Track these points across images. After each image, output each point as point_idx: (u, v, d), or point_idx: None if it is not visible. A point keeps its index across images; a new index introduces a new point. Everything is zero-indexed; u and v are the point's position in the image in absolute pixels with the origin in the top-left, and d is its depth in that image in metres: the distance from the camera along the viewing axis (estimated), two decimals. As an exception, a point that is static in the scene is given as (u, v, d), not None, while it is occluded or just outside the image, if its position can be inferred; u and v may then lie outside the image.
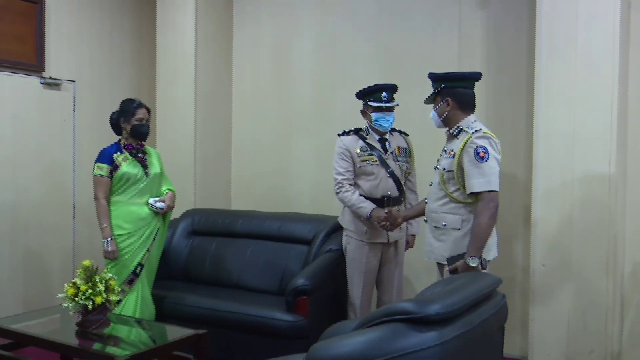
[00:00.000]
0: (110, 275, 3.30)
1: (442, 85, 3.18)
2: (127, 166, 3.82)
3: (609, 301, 3.45)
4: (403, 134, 4.00)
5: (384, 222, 3.60)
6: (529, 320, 3.68)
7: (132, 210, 3.83)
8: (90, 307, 3.17)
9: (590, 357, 3.47)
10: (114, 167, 3.80)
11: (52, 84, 4.95)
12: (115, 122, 3.93)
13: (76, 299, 3.16)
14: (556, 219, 3.56)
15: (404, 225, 3.84)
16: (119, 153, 3.84)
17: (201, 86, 5.19)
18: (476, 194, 2.98)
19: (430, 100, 3.29)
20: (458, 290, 2.13)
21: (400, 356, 1.83)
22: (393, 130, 3.91)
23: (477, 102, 3.23)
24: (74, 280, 3.22)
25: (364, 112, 3.86)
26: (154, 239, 3.91)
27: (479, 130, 3.04)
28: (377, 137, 3.83)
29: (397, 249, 3.92)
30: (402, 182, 3.86)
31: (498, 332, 2.39)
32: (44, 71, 4.89)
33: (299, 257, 4.29)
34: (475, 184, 2.96)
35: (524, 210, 4.15)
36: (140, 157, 3.89)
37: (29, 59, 4.79)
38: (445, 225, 3.11)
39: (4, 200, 4.67)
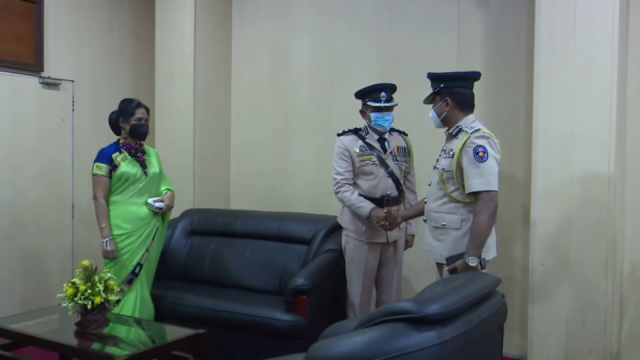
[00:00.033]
0: (109, 275, 3.30)
1: (441, 85, 3.18)
2: (126, 166, 3.82)
3: (608, 300, 3.45)
4: (402, 133, 4.00)
5: (383, 222, 3.60)
6: (528, 319, 3.69)
7: (131, 210, 3.83)
8: (89, 307, 3.17)
9: (590, 356, 3.48)
10: (113, 166, 3.80)
11: (51, 84, 4.95)
12: (114, 122, 3.93)
13: (75, 298, 3.16)
14: (555, 219, 3.56)
15: (403, 225, 3.84)
16: (118, 153, 3.84)
17: (200, 86, 5.19)
18: (475, 194, 2.98)
19: (429, 100, 3.29)
20: (457, 290, 2.13)
21: (399, 356, 1.84)
22: (392, 130, 3.91)
23: (476, 101, 3.24)
24: (73, 280, 3.22)
25: (363, 112, 3.86)
26: (153, 238, 3.91)
27: (478, 130, 3.04)
28: (376, 137, 3.83)
29: (397, 248, 3.92)
30: (401, 182, 3.86)
31: (497, 331, 2.39)
32: (42, 71, 4.88)
33: (298, 257, 4.29)
34: (475, 183, 2.96)
35: (522, 210, 4.16)
36: (139, 156, 3.89)
37: (28, 59, 4.78)
38: (444, 225, 3.11)
39: (3, 200, 4.66)
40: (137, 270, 3.84)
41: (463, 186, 3.03)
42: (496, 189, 2.98)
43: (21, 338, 3.36)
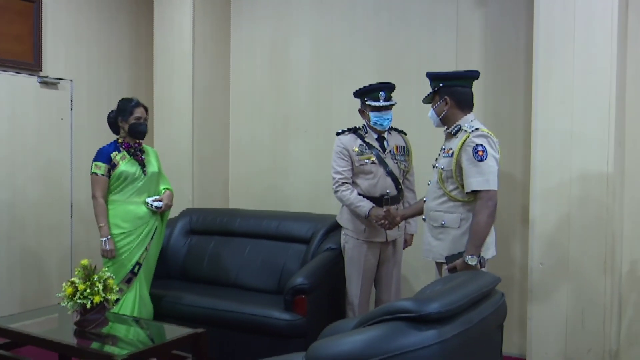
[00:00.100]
0: (108, 274, 3.29)
1: (441, 84, 3.18)
2: (125, 165, 3.81)
3: (606, 300, 3.46)
4: (401, 132, 4.00)
5: (383, 221, 3.60)
6: (527, 319, 3.69)
7: (130, 209, 3.83)
8: (88, 306, 3.17)
9: (588, 355, 3.48)
10: (112, 165, 3.80)
11: (50, 83, 4.94)
12: (113, 121, 3.92)
13: (74, 298, 3.16)
14: (554, 218, 3.56)
15: (402, 224, 3.84)
16: (116, 152, 3.84)
17: (199, 85, 5.18)
18: (475, 193, 2.99)
19: (428, 99, 3.29)
20: (457, 288, 2.13)
21: (400, 355, 1.84)
22: (391, 129, 3.91)
23: (475, 101, 3.24)
24: (72, 279, 3.22)
25: (361, 111, 3.86)
26: (151, 238, 3.91)
27: (477, 129, 3.04)
28: (376, 136, 3.83)
29: (396, 247, 3.92)
30: (401, 181, 3.86)
31: (497, 330, 2.39)
32: (41, 70, 4.87)
33: (297, 256, 4.29)
34: (474, 182, 2.96)
35: (521, 209, 4.16)
36: (138, 156, 3.89)
37: (26, 58, 4.77)
38: (443, 224, 3.11)
39: (2, 200, 4.65)
40: (136, 270, 3.83)
41: (462, 185, 3.04)
42: (495, 187, 2.98)
43: (20, 337, 3.36)
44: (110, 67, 5.41)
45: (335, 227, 4.13)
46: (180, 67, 5.17)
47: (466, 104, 3.18)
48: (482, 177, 2.95)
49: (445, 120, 3.21)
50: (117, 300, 3.63)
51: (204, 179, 5.27)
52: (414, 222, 3.98)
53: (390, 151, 3.84)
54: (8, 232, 4.70)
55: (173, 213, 4.36)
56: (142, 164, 3.89)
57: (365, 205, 3.70)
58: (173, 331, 3.35)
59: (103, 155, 3.82)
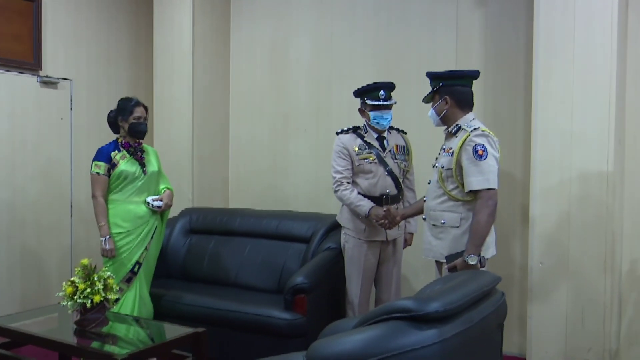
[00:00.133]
0: (108, 273, 3.29)
1: (441, 84, 3.18)
2: (124, 164, 3.81)
3: (606, 299, 3.46)
4: (401, 132, 4.00)
5: (383, 221, 3.60)
6: (527, 318, 3.69)
7: (129, 209, 3.83)
8: (88, 305, 3.17)
9: (588, 354, 3.48)
10: (112, 165, 3.80)
11: (49, 83, 4.94)
12: (113, 121, 3.92)
13: (74, 297, 3.16)
14: (554, 217, 3.56)
15: (402, 223, 3.85)
16: (116, 151, 3.84)
17: (198, 85, 5.18)
18: (475, 192, 2.99)
19: (428, 98, 3.29)
20: (458, 288, 2.14)
21: (400, 354, 1.84)
22: (391, 128, 3.91)
23: (475, 100, 3.24)
24: (72, 278, 3.22)
25: (361, 111, 3.86)
26: (151, 237, 3.91)
27: (477, 128, 3.04)
28: (375, 136, 3.83)
29: (396, 247, 3.92)
30: (400, 181, 3.86)
31: (497, 330, 2.40)
32: (41, 70, 4.87)
33: (297, 256, 4.29)
34: (474, 182, 2.96)
35: (521, 208, 4.16)
36: (138, 155, 3.89)
37: (26, 58, 4.77)
38: (443, 223, 3.11)
39: (2, 199, 4.65)
40: (136, 269, 3.83)
41: (462, 184, 3.04)
42: (495, 187, 2.98)
43: (20, 337, 3.36)
44: (110, 66, 5.41)
45: (335, 227, 4.13)
46: (180, 67, 5.17)
47: (466, 103, 3.18)
48: (482, 176, 2.95)
49: (445, 120, 3.21)
50: (117, 300, 3.63)
51: (203, 179, 5.27)
52: (414, 221, 3.98)
53: (390, 150, 3.84)
54: (8, 231, 4.70)
55: (173, 212, 4.36)
56: (142, 164, 3.89)
57: (365, 204, 3.70)
58: (173, 330, 3.35)
59: (103, 154, 3.82)
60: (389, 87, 3.79)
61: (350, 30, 4.89)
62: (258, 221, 4.59)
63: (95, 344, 3.21)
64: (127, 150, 3.86)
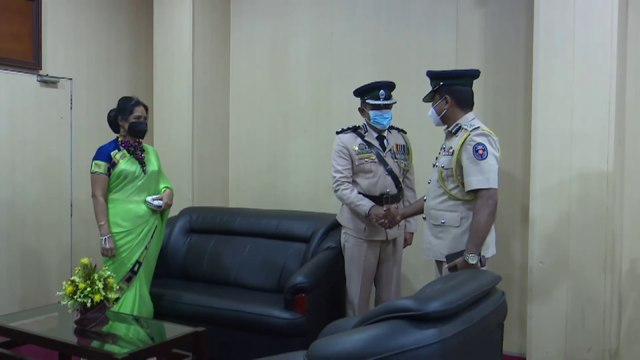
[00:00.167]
0: (108, 273, 3.29)
1: (441, 83, 3.18)
2: (124, 164, 3.81)
3: (606, 298, 3.46)
4: (401, 131, 4.01)
5: (383, 220, 3.60)
6: (527, 317, 3.69)
7: (129, 208, 3.83)
8: (88, 305, 3.17)
9: (588, 354, 3.48)
10: (112, 164, 3.80)
11: (49, 82, 4.94)
12: (113, 120, 3.92)
13: (75, 296, 3.16)
14: (554, 217, 3.57)
15: (402, 223, 3.85)
16: (116, 151, 3.84)
17: (198, 84, 5.18)
18: (475, 192, 2.99)
19: (428, 98, 3.29)
20: (458, 287, 2.14)
21: (400, 353, 1.84)
22: (391, 127, 3.91)
23: (475, 100, 3.24)
24: (72, 278, 3.21)
25: (361, 110, 3.86)
26: (151, 236, 3.91)
27: (477, 127, 3.04)
28: (376, 135, 3.83)
29: (396, 246, 3.93)
30: (401, 180, 3.86)
31: (497, 329, 2.40)
32: (41, 69, 4.87)
33: (297, 255, 4.29)
34: (474, 181, 2.97)
35: (521, 208, 4.16)
36: (138, 154, 3.89)
37: (26, 57, 4.77)
38: (444, 222, 3.11)
39: (2, 198, 4.65)
40: (136, 268, 3.83)
41: (463, 184, 3.04)
42: (496, 186, 2.98)
43: (20, 336, 3.35)
44: (110, 66, 5.41)
45: (335, 226, 4.13)
46: (180, 67, 5.17)
47: (466, 103, 3.18)
48: (483, 175, 2.95)
49: (445, 119, 3.21)
50: (117, 299, 3.63)
51: (203, 178, 5.27)
52: (414, 220, 3.99)
53: (390, 150, 3.84)
54: (8, 230, 4.70)
55: (173, 212, 4.36)
56: (142, 163, 3.89)
57: (366, 204, 3.70)
58: (173, 330, 3.35)
59: (103, 153, 3.82)
60: (389, 86, 3.79)
61: (350, 30, 4.89)
62: (258, 221, 4.59)
63: (95, 344, 3.20)
64: (127, 150, 3.86)
